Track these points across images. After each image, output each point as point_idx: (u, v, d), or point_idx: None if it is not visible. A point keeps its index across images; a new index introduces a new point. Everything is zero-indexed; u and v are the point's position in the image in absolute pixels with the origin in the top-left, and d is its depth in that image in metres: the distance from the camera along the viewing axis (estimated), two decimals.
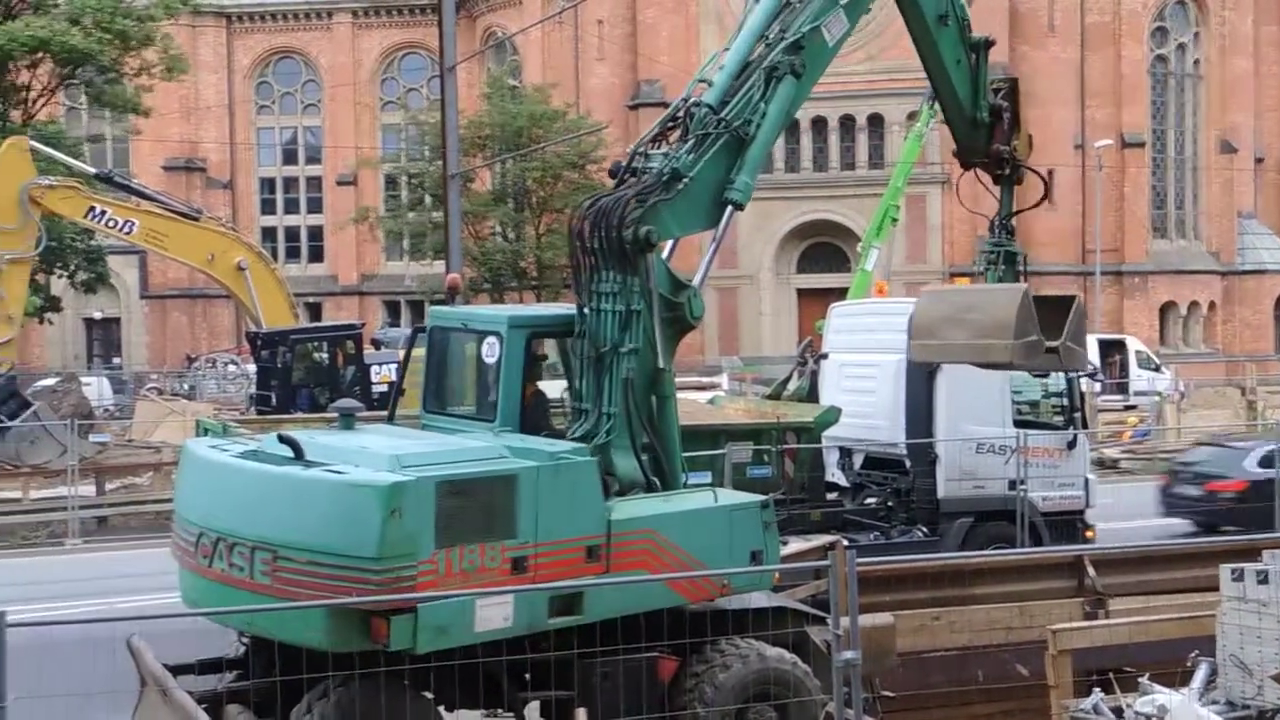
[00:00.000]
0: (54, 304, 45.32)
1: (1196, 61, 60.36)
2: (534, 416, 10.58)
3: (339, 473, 8.68)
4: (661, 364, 10.11)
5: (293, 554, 8.52)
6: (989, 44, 13.47)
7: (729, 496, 10.79)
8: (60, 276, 42.82)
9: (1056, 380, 17.55)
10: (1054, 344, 12.82)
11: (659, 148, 10.79)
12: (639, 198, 10.14)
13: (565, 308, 10.95)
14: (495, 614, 8.83)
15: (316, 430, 10.45)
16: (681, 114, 10.79)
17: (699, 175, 10.44)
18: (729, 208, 10.78)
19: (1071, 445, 17.44)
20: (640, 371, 10.02)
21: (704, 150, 10.48)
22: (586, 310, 10.18)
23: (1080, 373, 13.83)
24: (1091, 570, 13.17)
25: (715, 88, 10.88)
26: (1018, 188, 14.51)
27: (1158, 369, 45.62)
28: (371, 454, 8.97)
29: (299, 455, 8.98)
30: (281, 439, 9.14)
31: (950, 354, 13.51)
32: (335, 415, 10.12)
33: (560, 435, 10.33)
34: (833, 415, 16.65)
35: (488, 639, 8.84)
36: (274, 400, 30.07)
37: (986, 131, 13.66)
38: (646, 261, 9.99)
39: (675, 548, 9.73)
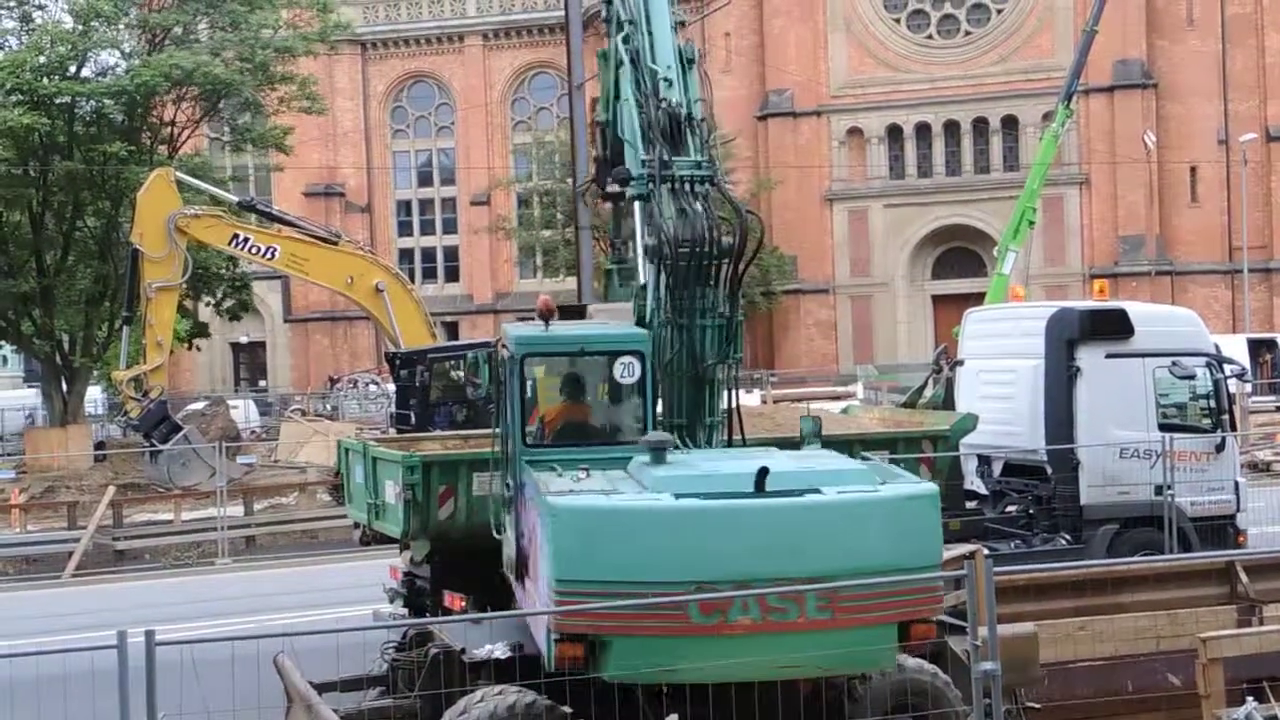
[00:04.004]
0: (202, 330, 46.55)
1: None
2: None
3: (873, 490, 8.69)
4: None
5: (857, 580, 8.37)
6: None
7: None
8: (208, 304, 44.01)
9: (1204, 382, 17.11)
10: None
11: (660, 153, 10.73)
12: (720, 211, 10.30)
13: None
14: None
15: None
16: (665, 118, 10.81)
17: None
18: None
19: (1220, 448, 16.98)
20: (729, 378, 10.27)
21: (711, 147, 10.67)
22: (682, 327, 10.24)
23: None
24: (1244, 576, 12.81)
25: (677, 84, 11.01)
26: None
27: None
28: (837, 472, 8.99)
29: (761, 486, 8.70)
30: (763, 473, 8.68)
31: None
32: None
33: None
34: (969, 422, 16.36)
35: None
36: (413, 418, 30.48)
37: None
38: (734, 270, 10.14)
39: None
